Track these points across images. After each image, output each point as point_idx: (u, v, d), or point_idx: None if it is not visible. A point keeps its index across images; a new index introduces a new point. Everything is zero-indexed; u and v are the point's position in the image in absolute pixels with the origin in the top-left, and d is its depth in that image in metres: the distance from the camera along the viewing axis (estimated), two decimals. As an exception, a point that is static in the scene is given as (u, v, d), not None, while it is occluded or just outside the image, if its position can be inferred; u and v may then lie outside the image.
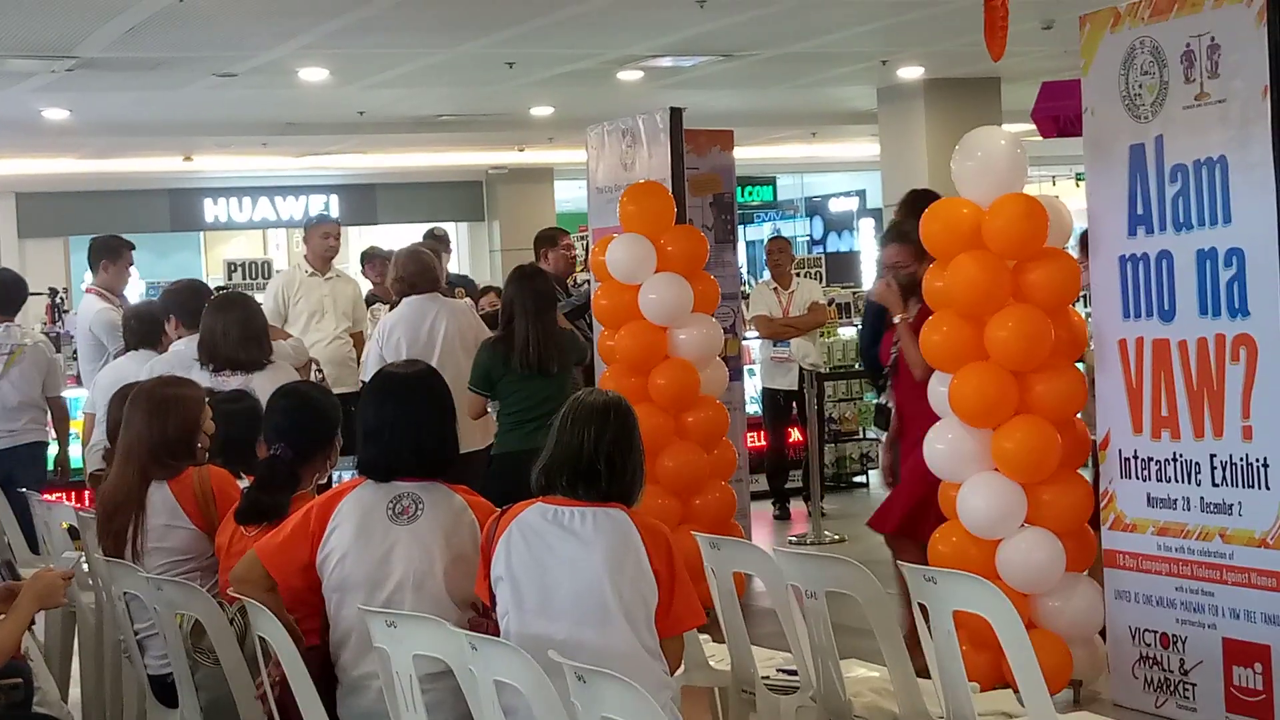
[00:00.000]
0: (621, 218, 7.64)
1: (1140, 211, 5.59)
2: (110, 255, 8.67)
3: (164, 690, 4.66)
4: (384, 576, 3.97)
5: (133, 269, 9.18)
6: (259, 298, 9.44)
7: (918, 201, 7.20)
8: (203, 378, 6.01)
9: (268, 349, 6.46)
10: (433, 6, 10.60)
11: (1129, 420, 5.69)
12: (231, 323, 6.39)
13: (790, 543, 10.06)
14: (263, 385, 5.82)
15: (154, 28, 10.57)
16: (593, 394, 3.91)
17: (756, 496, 10.03)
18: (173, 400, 4.92)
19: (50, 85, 12.78)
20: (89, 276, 9.32)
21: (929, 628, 3.85)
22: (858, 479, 12.51)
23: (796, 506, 11.12)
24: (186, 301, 7.05)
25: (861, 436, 12.60)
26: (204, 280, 9.52)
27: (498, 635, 3.74)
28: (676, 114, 8.21)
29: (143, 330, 7.46)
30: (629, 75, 13.97)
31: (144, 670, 4.78)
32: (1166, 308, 5.52)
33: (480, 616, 3.87)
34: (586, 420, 3.79)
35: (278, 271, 13.24)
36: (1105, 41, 5.69)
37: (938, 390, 5.98)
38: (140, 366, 6.92)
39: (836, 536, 10.11)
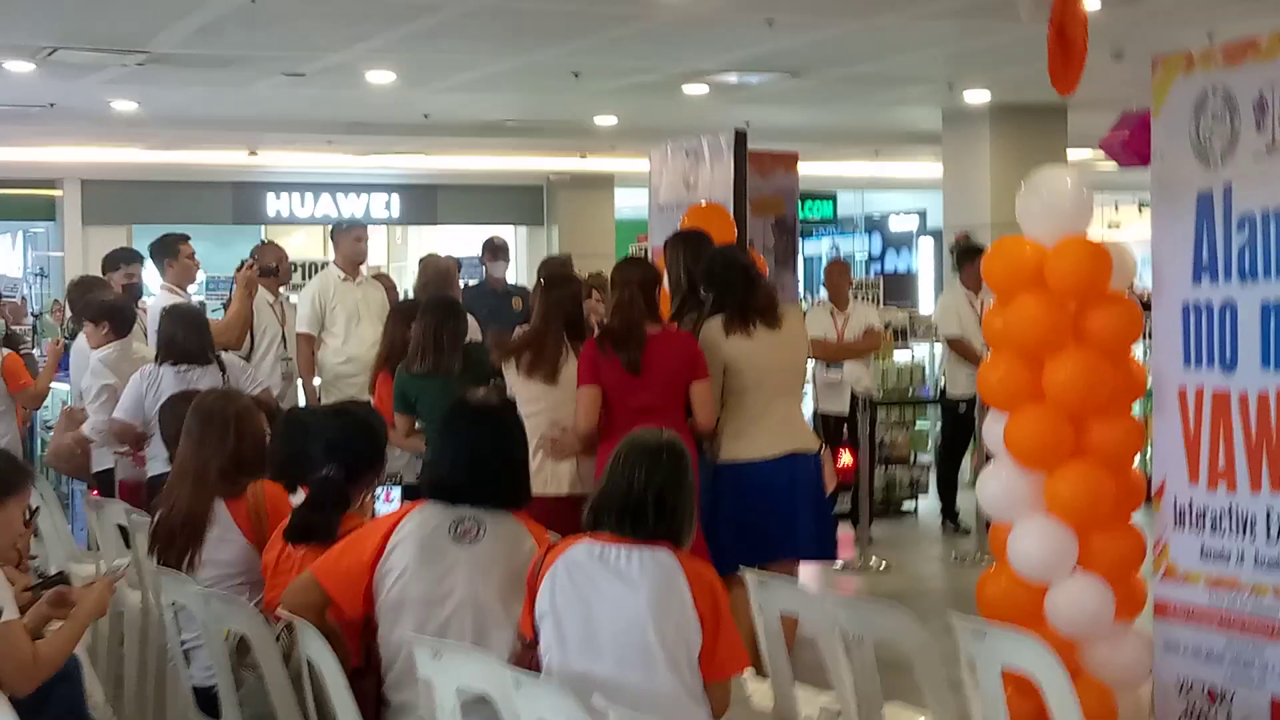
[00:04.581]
0: (682, 238, 7.61)
1: (1206, 259, 5.51)
2: (169, 254, 8.83)
3: (208, 701, 4.68)
4: (443, 596, 4.00)
5: (193, 257, 9.33)
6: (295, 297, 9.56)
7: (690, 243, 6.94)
8: (168, 373, 6.99)
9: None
10: (502, 17, 10.64)
11: (1185, 470, 5.61)
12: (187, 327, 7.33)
13: (836, 570, 10.02)
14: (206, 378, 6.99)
15: (226, 27, 10.66)
16: (647, 433, 3.90)
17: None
18: (240, 415, 4.94)
19: (120, 78, 12.89)
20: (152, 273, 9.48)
21: (975, 680, 3.81)
22: (906, 505, 12.45)
23: (844, 530, 11.05)
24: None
25: (913, 462, 12.55)
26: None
27: (539, 670, 3.74)
28: (741, 137, 8.20)
29: None
30: (695, 89, 13.97)
31: (189, 680, 4.79)
32: (1229, 358, 5.44)
33: (525, 650, 3.87)
34: (638, 459, 3.79)
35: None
36: (1177, 85, 5.62)
37: (993, 429, 5.94)
38: None
39: (884, 564, 10.06)
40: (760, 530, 6.37)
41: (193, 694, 4.76)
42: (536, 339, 6.67)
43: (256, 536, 4.77)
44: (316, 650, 3.86)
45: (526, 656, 3.85)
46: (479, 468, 4.14)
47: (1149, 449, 6.49)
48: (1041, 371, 5.76)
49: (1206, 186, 5.50)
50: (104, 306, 7.87)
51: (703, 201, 8.16)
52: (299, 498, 4.78)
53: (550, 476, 6.48)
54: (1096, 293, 5.75)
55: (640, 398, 6.22)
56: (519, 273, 21.48)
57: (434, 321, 7.18)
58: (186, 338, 7.17)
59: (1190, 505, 5.61)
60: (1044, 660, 3.58)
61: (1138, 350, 6.13)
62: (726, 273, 6.54)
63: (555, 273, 7.39)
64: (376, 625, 4.08)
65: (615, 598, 3.69)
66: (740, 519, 6.26)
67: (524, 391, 6.60)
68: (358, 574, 4.09)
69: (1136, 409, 6.13)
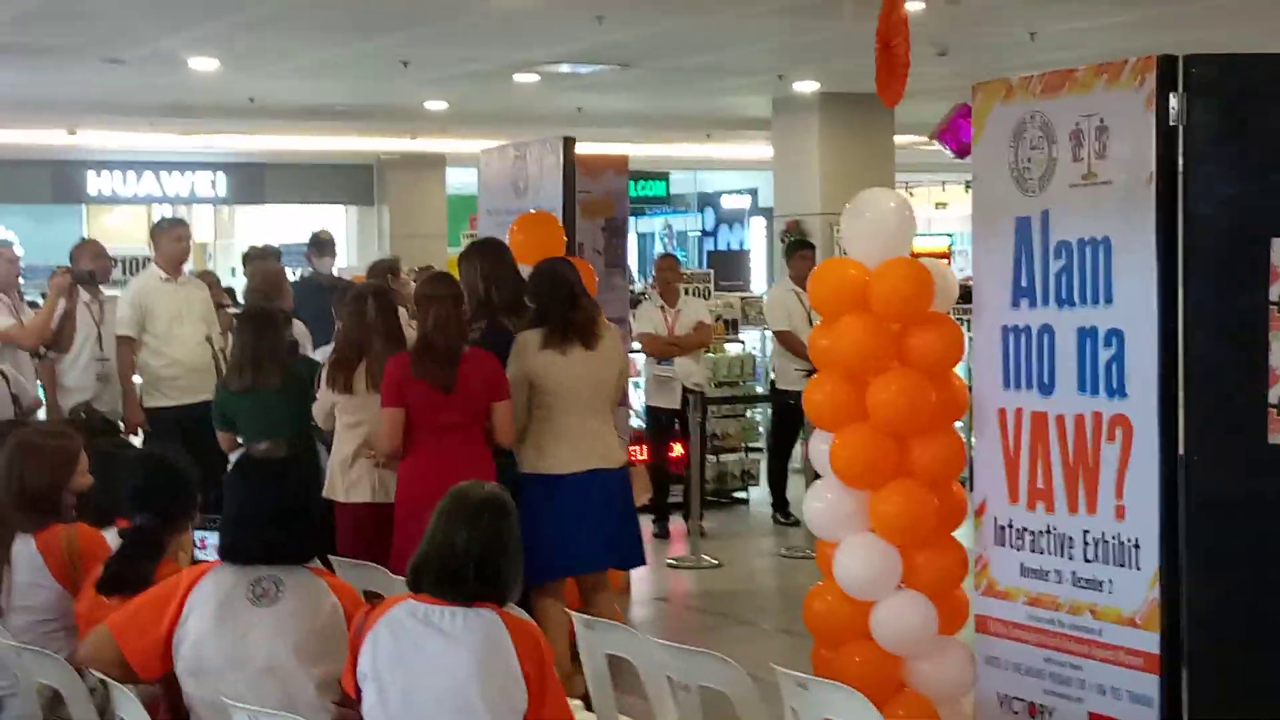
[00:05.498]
0: (511, 246, 7.58)
1: (1024, 284, 5.62)
2: None
3: (22, 750, 4.55)
4: (242, 660, 3.89)
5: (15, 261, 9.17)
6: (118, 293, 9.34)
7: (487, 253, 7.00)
8: None
9: None
10: (327, 7, 10.48)
11: (1005, 489, 5.72)
12: None
13: (668, 566, 10.09)
14: None
15: (43, 16, 10.36)
16: (470, 489, 3.85)
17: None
18: (40, 450, 4.80)
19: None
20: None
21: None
22: (739, 494, 12.56)
23: (676, 523, 11.14)
24: None
25: (744, 452, 12.67)
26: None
27: (362, 728, 3.71)
28: (569, 142, 8.18)
29: None
30: (526, 78, 13.91)
31: (3, 727, 4.66)
32: (1046, 381, 5.56)
33: (347, 710, 3.81)
34: (459, 520, 3.74)
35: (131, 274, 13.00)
36: (996, 112, 5.71)
37: (818, 448, 6.00)
38: None
39: (715, 561, 10.13)
40: (559, 543, 6.47)
41: (6, 742, 4.64)
42: (356, 351, 6.67)
43: (70, 582, 4.63)
44: (130, 711, 3.76)
45: (349, 716, 3.80)
46: (267, 527, 4.03)
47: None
48: (865, 392, 5.83)
49: (1024, 212, 5.60)
50: None
51: (532, 207, 8.12)
52: (112, 535, 4.66)
53: (356, 484, 6.59)
54: (919, 314, 5.84)
55: (446, 416, 6.29)
56: (347, 254, 21.23)
57: (251, 335, 7.09)
58: None
59: (1010, 524, 5.72)
60: (863, 712, 3.63)
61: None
62: (551, 288, 6.56)
63: (376, 285, 7.30)
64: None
65: (439, 659, 3.64)
66: (540, 531, 6.32)
67: (344, 402, 6.64)
68: (153, 636, 3.97)
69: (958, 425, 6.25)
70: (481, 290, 6.79)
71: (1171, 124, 5.08)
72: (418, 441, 6.32)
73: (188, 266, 9.60)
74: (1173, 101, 5.08)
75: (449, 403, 6.27)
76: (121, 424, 8.84)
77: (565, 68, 13.30)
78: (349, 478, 6.61)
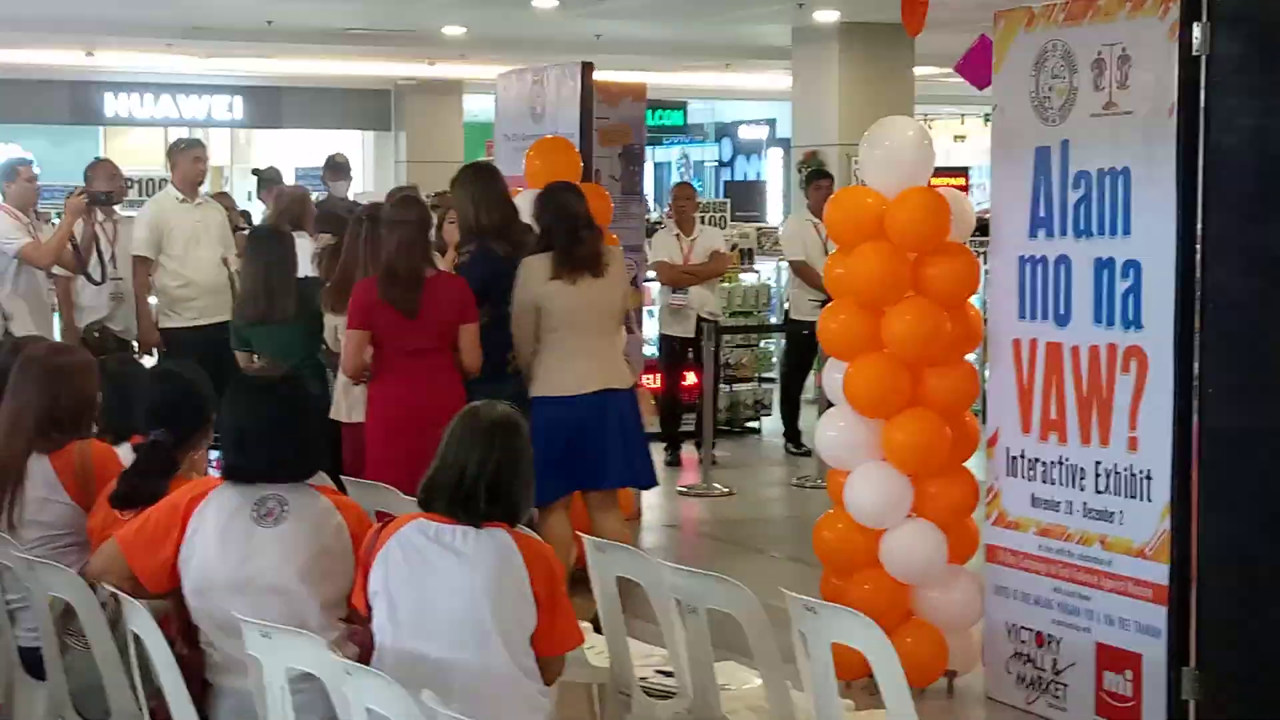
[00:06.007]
0: (527, 173, 7.56)
1: (1042, 214, 5.60)
2: (8, 176, 8.62)
3: (34, 663, 4.57)
4: (247, 580, 3.88)
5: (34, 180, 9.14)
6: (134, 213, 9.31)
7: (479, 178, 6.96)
8: None
9: None
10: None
11: (1018, 419, 5.73)
12: None
13: (679, 493, 10.11)
14: None
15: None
16: (482, 410, 3.84)
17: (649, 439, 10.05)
18: (66, 370, 4.79)
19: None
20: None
21: (807, 653, 3.86)
22: (751, 424, 12.57)
23: (688, 452, 11.16)
24: None
25: (757, 381, 12.67)
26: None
27: (373, 646, 3.72)
28: (587, 68, 8.13)
29: None
30: (544, 3, 13.81)
31: (14, 640, 4.69)
32: (1062, 312, 5.55)
33: (358, 626, 3.83)
34: (471, 443, 3.73)
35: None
36: (1018, 40, 5.67)
37: (832, 377, 6.00)
38: None
39: (726, 489, 10.15)
40: (570, 462, 6.53)
41: (18, 654, 4.66)
42: (350, 273, 6.68)
43: (83, 497, 4.64)
44: (142, 624, 3.78)
45: (360, 633, 3.81)
46: (266, 446, 3.99)
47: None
48: (880, 321, 5.82)
49: (1045, 142, 5.58)
50: None
51: (549, 133, 8.08)
52: (125, 451, 4.67)
53: (356, 405, 6.62)
54: (935, 244, 5.82)
55: (413, 340, 6.30)
56: (363, 179, 21.18)
57: (263, 265, 7.06)
58: None
59: (1022, 455, 5.73)
60: (872, 637, 3.64)
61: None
62: (555, 217, 6.55)
63: (377, 208, 7.25)
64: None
65: (450, 577, 3.64)
66: (551, 451, 6.36)
67: (341, 323, 6.62)
68: (160, 553, 3.97)
69: (972, 357, 6.24)
70: (471, 215, 6.79)
71: (1195, 54, 5.05)
72: (386, 366, 6.35)
73: (204, 188, 9.58)
74: (1196, 31, 5.04)
75: (414, 328, 6.26)
76: (135, 344, 8.88)
77: (585, -9, 13.23)
78: (350, 398, 6.64)
